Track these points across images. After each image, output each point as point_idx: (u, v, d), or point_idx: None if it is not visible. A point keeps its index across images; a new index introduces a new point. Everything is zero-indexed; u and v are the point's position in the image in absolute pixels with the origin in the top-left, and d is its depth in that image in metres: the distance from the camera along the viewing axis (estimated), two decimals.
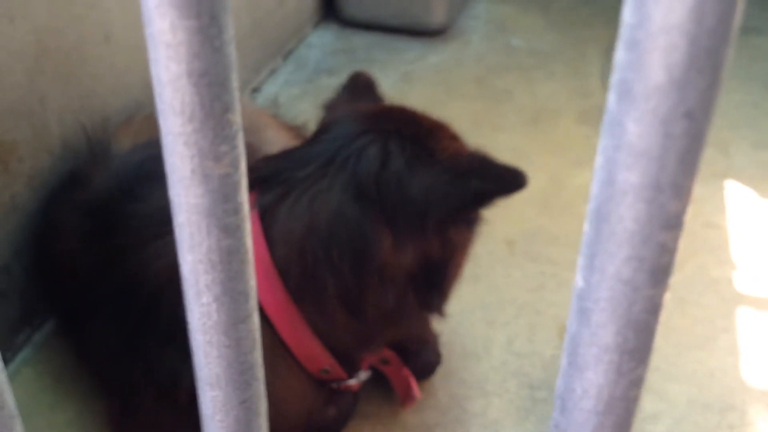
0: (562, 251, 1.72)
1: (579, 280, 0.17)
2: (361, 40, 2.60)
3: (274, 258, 1.05)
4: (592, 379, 0.17)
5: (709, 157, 2.03)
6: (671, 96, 0.17)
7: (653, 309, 0.16)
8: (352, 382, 1.23)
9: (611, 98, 0.16)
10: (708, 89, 0.18)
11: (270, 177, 1.08)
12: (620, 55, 0.18)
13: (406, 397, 1.32)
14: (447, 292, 1.17)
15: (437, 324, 1.48)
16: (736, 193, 1.91)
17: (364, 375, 1.25)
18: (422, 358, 1.41)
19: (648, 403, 1.38)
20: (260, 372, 0.22)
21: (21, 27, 1.33)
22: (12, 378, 1.40)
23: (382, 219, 1.03)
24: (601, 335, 0.16)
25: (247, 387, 0.22)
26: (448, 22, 2.62)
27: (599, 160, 0.16)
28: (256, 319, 0.22)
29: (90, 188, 1.29)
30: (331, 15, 2.70)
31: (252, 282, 0.22)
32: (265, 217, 1.06)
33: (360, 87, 1.21)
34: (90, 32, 1.52)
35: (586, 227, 0.16)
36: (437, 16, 2.56)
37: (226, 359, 0.22)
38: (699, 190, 1.91)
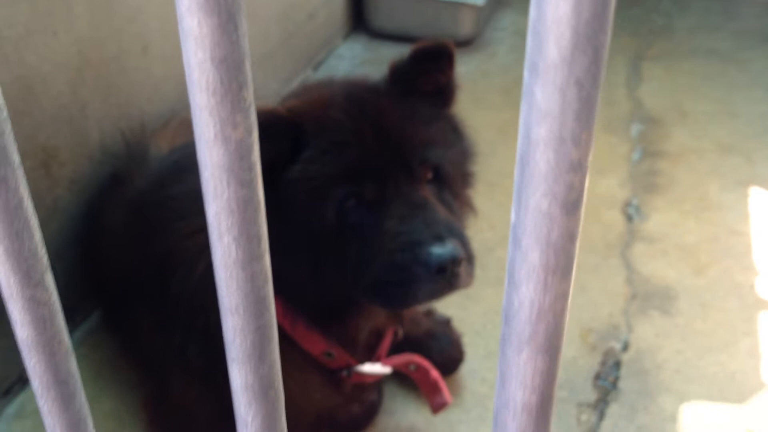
0: (584, 256, 1.74)
1: (512, 216, 0.21)
2: (389, 51, 2.65)
3: None
4: (525, 294, 0.21)
5: (733, 164, 2.04)
6: (563, 70, 0.21)
7: (568, 235, 0.20)
8: (366, 369, 1.23)
9: (525, 73, 0.20)
10: (591, 64, 0.22)
11: None
12: (528, 41, 0.22)
13: (436, 403, 1.32)
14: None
15: (460, 325, 1.52)
16: (760, 201, 1.92)
17: (380, 368, 1.26)
18: (447, 354, 1.44)
19: (669, 405, 1.40)
20: (272, 305, 0.27)
21: (64, 40, 1.41)
22: None
23: None
24: (529, 257, 0.20)
25: (261, 316, 0.26)
26: (475, 34, 2.66)
27: (521, 119, 0.20)
28: (267, 259, 0.26)
29: (131, 187, 1.36)
30: (361, 27, 2.76)
31: (264, 228, 0.26)
32: None
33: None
34: (129, 44, 1.59)
35: (516, 172, 0.20)
36: (464, 27, 2.61)
37: (243, 291, 0.26)
38: (723, 197, 1.92)
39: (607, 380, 1.46)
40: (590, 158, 0.20)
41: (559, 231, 0.21)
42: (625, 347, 1.52)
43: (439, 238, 1.01)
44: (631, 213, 1.89)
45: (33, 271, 0.30)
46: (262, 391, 0.29)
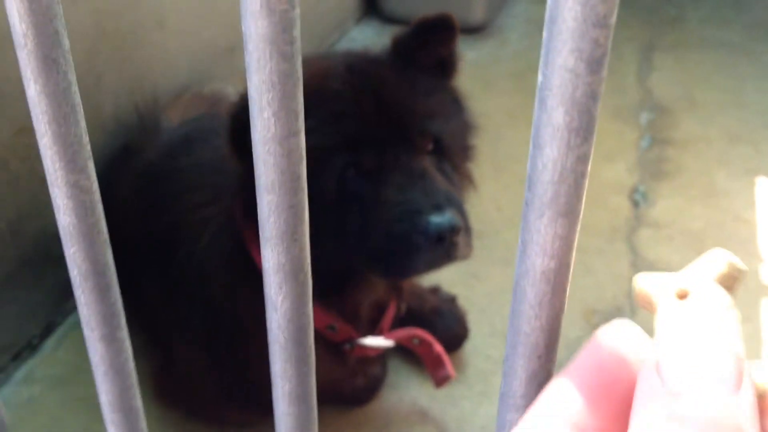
0: (589, 239, 1.76)
1: (539, 77, 0.22)
2: None
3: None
4: (549, 154, 0.22)
5: (740, 153, 2.05)
6: None
7: (592, 94, 0.21)
8: (368, 343, 1.24)
9: None
10: None
11: None
12: None
13: (439, 377, 1.33)
14: None
15: (466, 303, 1.53)
16: (766, 190, 1.93)
17: (383, 341, 1.26)
18: (451, 331, 1.46)
19: None
20: (305, 184, 0.28)
21: (82, 9, 1.42)
22: (62, 340, 1.48)
23: None
24: (554, 116, 0.21)
25: (295, 194, 0.28)
26: (487, 20, 2.67)
27: None
28: (302, 137, 0.28)
29: (142, 159, 1.38)
30: (373, 11, 2.77)
31: (301, 104, 0.28)
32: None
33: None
34: (145, 17, 1.61)
35: (545, 32, 0.21)
36: (477, 13, 2.62)
37: (280, 167, 0.27)
38: (730, 185, 1.93)
39: None
40: (614, 17, 0.21)
41: (583, 89, 0.22)
42: None
43: (438, 208, 1.01)
44: (637, 199, 1.90)
45: (78, 157, 0.32)
46: (293, 272, 0.31)
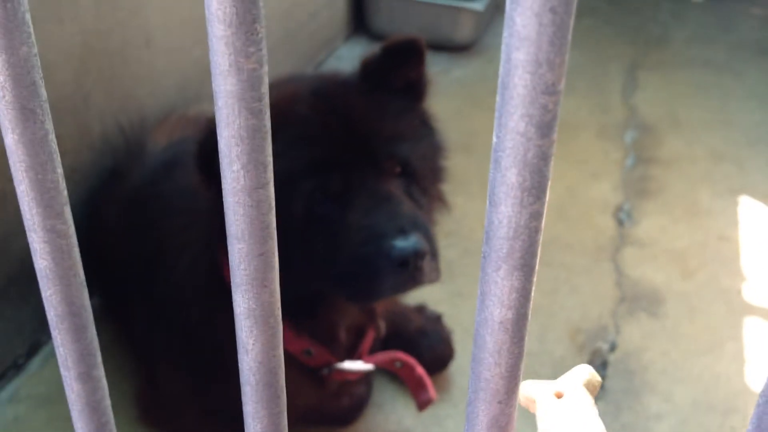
0: (575, 258, 1.77)
1: (494, 137, 0.23)
2: None
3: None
4: (504, 212, 0.23)
5: (724, 172, 2.07)
6: None
7: (543, 156, 0.22)
8: (347, 367, 1.23)
9: (507, 3, 0.22)
10: None
11: None
12: None
13: (421, 400, 1.33)
14: None
15: (451, 322, 1.54)
16: (750, 209, 1.95)
17: (362, 365, 1.26)
18: (437, 351, 1.46)
19: (653, 404, 1.43)
20: (274, 233, 0.29)
21: (70, 29, 1.43)
22: (48, 359, 1.48)
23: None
24: (508, 176, 0.22)
25: (264, 242, 0.29)
26: (474, 38, 2.69)
27: (503, 45, 0.22)
28: (271, 188, 0.29)
29: (128, 183, 1.39)
30: (362, 29, 2.79)
31: (269, 157, 0.29)
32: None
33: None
34: (132, 37, 1.61)
35: (498, 97, 0.22)
36: (464, 32, 2.64)
37: (249, 217, 0.28)
38: (714, 204, 1.95)
39: None
40: (563, 84, 0.22)
41: (534, 151, 0.23)
42: (613, 348, 1.55)
43: (402, 232, 1.02)
44: (622, 218, 1.92)
45: (55, 202, 0.33)
46: (263, 317, 0.31)
